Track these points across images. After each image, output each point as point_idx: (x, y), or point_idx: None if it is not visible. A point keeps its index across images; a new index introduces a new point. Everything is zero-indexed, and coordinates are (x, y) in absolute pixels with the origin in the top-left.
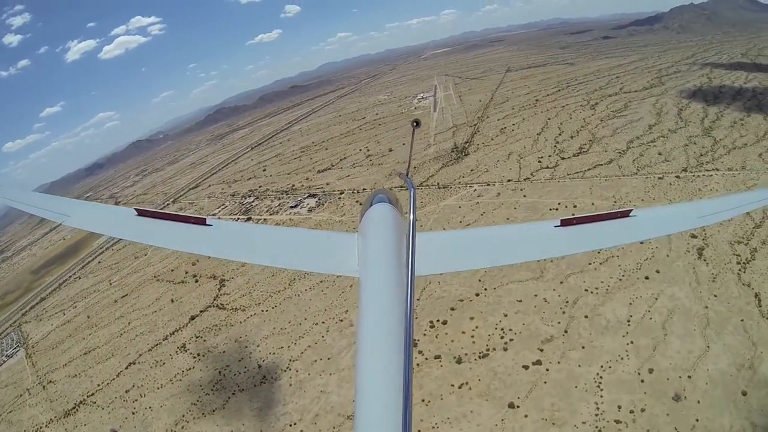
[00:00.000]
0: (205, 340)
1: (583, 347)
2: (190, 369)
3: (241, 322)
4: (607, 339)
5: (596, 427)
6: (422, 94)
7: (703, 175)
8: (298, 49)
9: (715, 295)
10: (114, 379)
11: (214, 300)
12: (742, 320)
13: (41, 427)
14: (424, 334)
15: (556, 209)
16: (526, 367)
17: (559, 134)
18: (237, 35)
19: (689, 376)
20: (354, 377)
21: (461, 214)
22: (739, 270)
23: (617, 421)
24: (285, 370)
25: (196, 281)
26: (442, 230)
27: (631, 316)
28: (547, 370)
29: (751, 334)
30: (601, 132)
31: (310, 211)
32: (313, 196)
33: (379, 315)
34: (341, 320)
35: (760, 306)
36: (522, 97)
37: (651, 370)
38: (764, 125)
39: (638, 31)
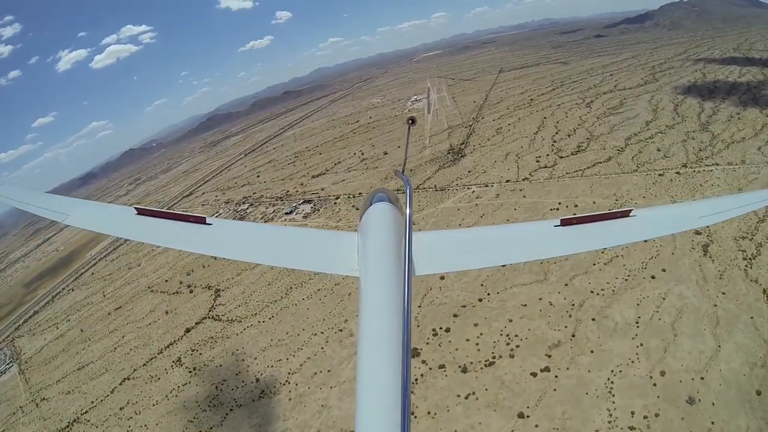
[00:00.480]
0: (200, 354)
1: (592, 351)
2: (185, 384)
3: (237, 334)
4: (616, 342)
5: None
6: (415, 97)
7: (704, 170)
8: (290, 55)
9: (723, 293)
10: (108, 395)
11: (210, 311)
12: (752, 317)
13: None
14: (427, 343)
15: (557, 209)
16: (534, 375)
17: (556, 133)
18: (229, 42)
19: (702, 378)
20: (354, 375)
21: (460, 216)
22: (746, 266)
23: (631, 428)
24: (284, 384)
25: (191, 292)
26: (441, 230)
27: (639, 317)
28: (556, 376)
29: (762, 332)
30: (599, 130)
31: (305, 217)
32: (309, 201)
33: (379, 314)
34: (341, 330)
35: None
36: (516, 97)
37: (663, 373)
38: (761, 119)
39: (629, 29)
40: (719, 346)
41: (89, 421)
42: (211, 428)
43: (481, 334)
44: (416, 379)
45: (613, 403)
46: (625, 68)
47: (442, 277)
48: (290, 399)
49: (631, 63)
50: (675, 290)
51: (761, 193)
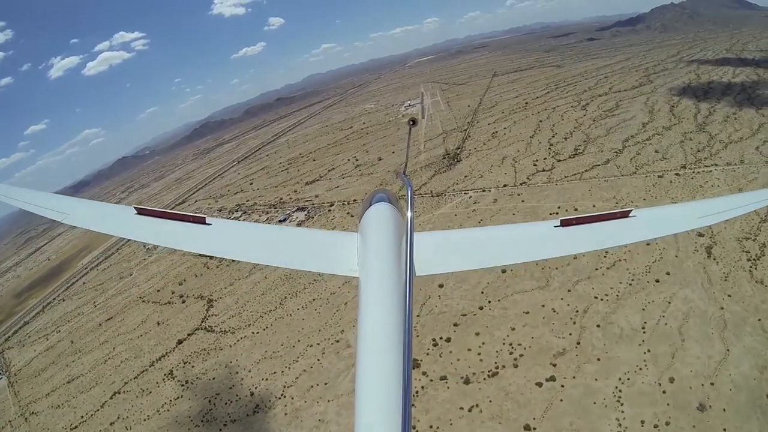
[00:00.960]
0: (193, 366)
1: (598, 359)
2: (178, 398)
3: (230, 346)
4: (622, 349)
5: None
6: (409, 102)
7: (703, 171)
8: (283, 62)
9: (729, 295)
10: (98, 410)
11: (202, 322)
12: (759, 319)
13: None
14: (427, 353)
15: (556, 213)
16: (539, 385)
17: (553, 136)
18: (221, 49)
19: (712, 383)
20: (354, 376)
21: (458, 222)
22: (751, 267)
23: None
24: (279, 398)
25: (183, 302)
26: (441, 230)
27: (645, 322)
28: (563, 386)
29: None
30: (595, 132)
31: (299, 225)
32: (302, 209)
33: (379, 314)
34: (337, 341)
35: None
36: (511, 101)
37: (672, 380)
38: (757, 118)
39: (621, 31)
40: (728, 350)
41: None
42: None
43: (483, 343)
44: (417, 392)
45: (622, 412)
46: (619, 71)
47: (441, 285)
48: (286, 414)
49: (625, 65)
50: (680, 294)
51: (761, 192)
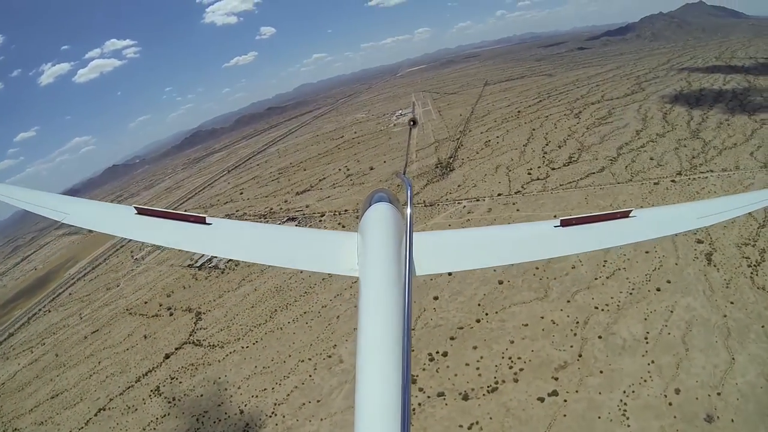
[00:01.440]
0: (180, 382)
1: (601, 372)
2: (164, 416)
3: (219, 361)
4: (625, 360)
5: None
6: (400, 111)
7: (699, 177)
8: (275, 72)
9: (732, 302)
10: (82, 428)
11: (190, 335)
12: (763, 326)
13: None
14: (424, 369)
15: None
16: (541, 400)
17: (546, 144)
18: (213, 58)
19: (718, 393)
20: (354, 376)
21: None
22: (752, 273)
23: None
24: (270, 416)
25: (171, 314)
26: (441, 230)
27: (647, 332)
28: (565, 401)
29: None
30: (589, 140)
31: None
32: (293, 219)
33: (379, 314)
34: (329, 356)
35: None
36: (503, 110)
37: (678, 391)
38: (750, 124)
39: (612, 40)
40: (733, 358)
41: None
42: None
43: (482, 357)
44: (414, 409)
45: (629, 426)
46: (610, 79)
47: (436, 297)
48: None
49: (616, 73)
50: (682, 302)
51: (760, 193)
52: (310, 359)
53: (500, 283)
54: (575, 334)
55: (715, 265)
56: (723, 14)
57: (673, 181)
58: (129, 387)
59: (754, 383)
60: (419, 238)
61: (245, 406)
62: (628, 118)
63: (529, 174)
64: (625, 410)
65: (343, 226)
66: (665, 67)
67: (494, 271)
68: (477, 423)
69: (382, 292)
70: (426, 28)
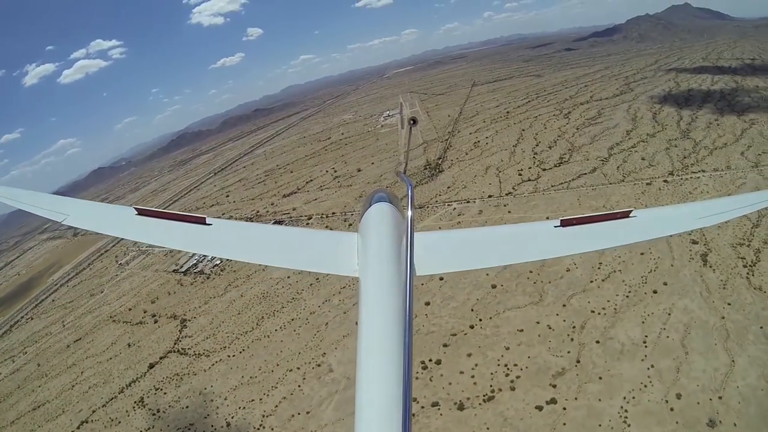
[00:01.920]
0: (165, 393)
1: (600, 378)
2: (148, 429)
3: (205, 370)
4: (624, 365)
5: None
6: (388, 112)
7: (691, 177)
8: (262, 73)
9: (729, 303)
10: None
11: (175, 344)
12: (761, 327)
13: None
14: (417, 377)
15: None
16: (539, 408)
17: (536, 145)
18: (200, 59)
19: (720, 397)
20: (355, 377)
21: None
22: (748, 274)
23: None
24: (258, 429)
25: (156, 322)
26: (441, 230)
27: (646, 336)
28: (564, 408)
29: None
30: (580, 140)
31: None
32: (279, 222)
33: (379, 314)
34: (318, 365)
35: None
36: (492, 110)
37: (679, 396)
38: (739, 124)
39: (599, 41)
40: (733, 361)
41: None
42: None
43: (476, 365)
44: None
45: None
46: (598, 79)
47: (428, 303)
48: None
49: (605, 74)
50: (679, 304)
51: (761, 193)
52: (298, 368)
53: (493, 287)
54: (572, 339)
55: (710, 266)
56: (708, 16)
57: (665, 181)
58: (112, 398)
59: (755, 386)
60: (419, 238)
61: (232, 418)
62: (618, 119)
63: (520, 175)
64: (626, 417)
65: (331, 230)
66: (653, 67)
67: (487, 275)
68: None
69: (382, 293)
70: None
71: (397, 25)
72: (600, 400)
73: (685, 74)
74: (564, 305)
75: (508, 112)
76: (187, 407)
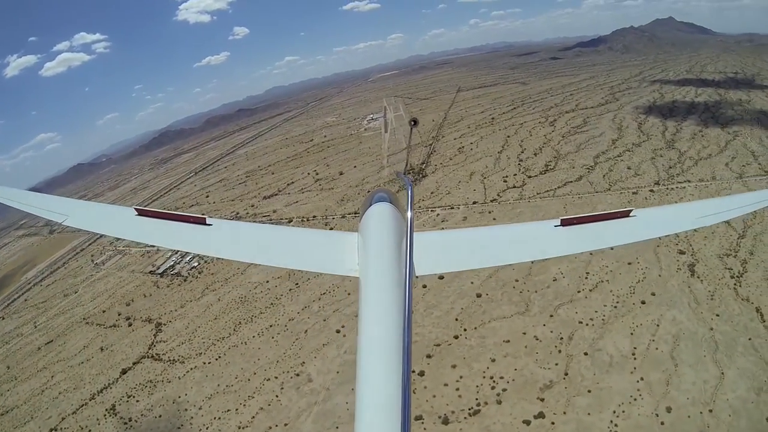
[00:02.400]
0: (138, 401)
1: (589, 391)
2: None
3: (179, 378)
4: (614, 378)
5: None
6: (372, 116)
7: (677, 187)
8: (246, 73)
9: (717, 315)
10: None
11: (149, 348)
12: (749, 339)
13: None
14: None
15: None
16: (527, 423)
17: (522, 152)
18: (185, 57)
19: (710, 410)
20: (355, 376)
21: None
22: (735, 284)
23: None
24: None
25: (130, 325)
26: (441, 230)
27: (635, 348)
28: (553, 423)
29: (763, 353)
30: (565, 148)
31: None
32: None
33: (379, 314)
34: (297, 374)
35: (764, 321)
36: (477, 116)
37: (669, 409)
38: (723, 136)
39: (584, 52)
40: (722, 373)
41: None
42: None
43: (461, 377)
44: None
45: None
46: (584, 88)
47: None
48: None
49: (590, 83)
50: (668, 315)
51: (760, 193)
52: (276, 377)
53: (478, 296)
54: (560, 351)
55: (698, 277)
56: (692, 30)
57: (651, 190)
58: (83, 405)
59: (745, 398)
60: (419, 238)
61: (207, 429)
62: (604, 127)
63: (505, 182)
64: (615, 431)
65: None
66: (638, 78)
67: (472, 283)
68: None
69: (382, 293)
70: (399, 34)
71: (383, 29)
72: (589, 414)
73: (669, 86)
74: (551, 315)
75: (493, 119)
76: (160, 416)
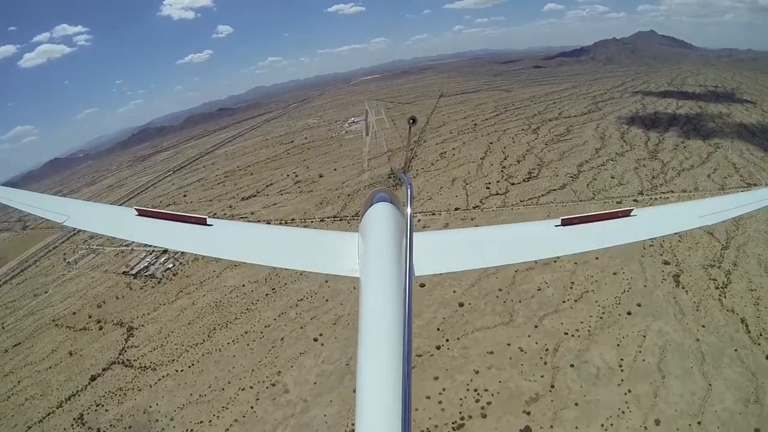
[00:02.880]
0: (107, 410)
1: (576, 404)
2: None
3: (151, 386)
4: (601, 390)
5: None
6: (353, 119)
7: (660, 197)
8: (229, 72)
9: (703, 326)
10: None
11: (120, 354)
12: (736, 350)
13: None
14: None
15: None
16: None
17: (505, 158)
18: (167, 53)
19: (699, 422)
20: (355, 376)
21: None
22: (720, 295)
23: None
24: None
25: (100, 328)
26: (441, 230)
27: (622, 359)
28: None
29: (749, 364)
30: (549, 156)
31: None
32: None
33: (379, 314)
34: (273, 384)
35: (749, 332)
36: (459, 122)
37: (658, 422)
38: (705, 148)
39: (567, 61)
40: (710, 384)
41: None
42: None
43: (444, 389)
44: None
45: None
46: (567, 97)
47: None
48: None
49: (573, 92)
50: (654, 326)
51: (761, 192)
52: (251, 387)
53: (461, 305)
54: (545, 363)
55: (683, 287)
56: (673, 44)
57: (635, 200)
58: (50, 413)
59: (732, 410)
60: (419, 238)
61: None
62: (587, 136)
63: (488, 188)
64: None
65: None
66: (620, 89)
67: (454, 291)
68: None
69: (382, 293)
70: (382, 38)
71: (367, 32)
72: (577, 427)
73: (651, 97)
74: (536, 326)
75: (475, 125)
76: (129, 428)
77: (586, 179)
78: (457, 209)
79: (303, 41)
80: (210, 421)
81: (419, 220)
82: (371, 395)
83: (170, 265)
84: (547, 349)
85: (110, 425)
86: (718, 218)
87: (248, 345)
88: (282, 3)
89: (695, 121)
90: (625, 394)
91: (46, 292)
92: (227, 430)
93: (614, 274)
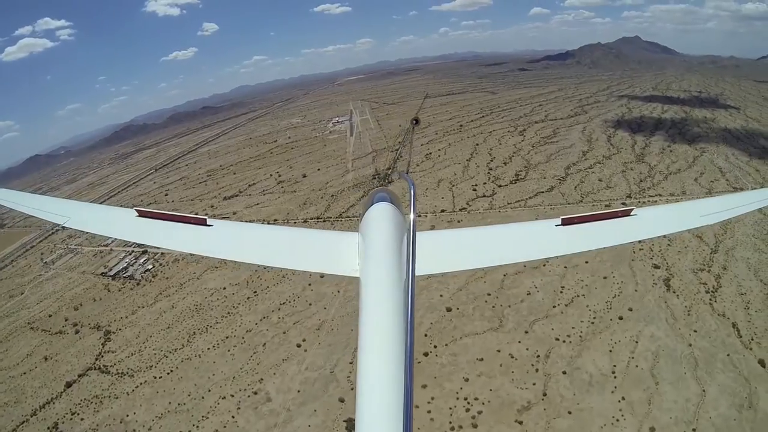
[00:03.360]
0: (82, 419)
1: (569, 412)
2: None
3: (128, 393)
4: (594, 398)
5: None
6: (337, 119)
7: (648, 200)
8: (213, 70)
9: (695, 330)
10: None
11: (97, 359)
12: (728, 355)
13: None
14: None
15: None
16: None
17: (491, 160)
18: (151, 50)
19: (694, 430)
20: (356, 376)
21: None
22: (710, 300)
23: None
24: None
25: (77, 332)
26: (441, 229)
27: (614, 366)
28: None
29: (741, 369)
30: (536, 158)
31: None
32: None
33: (380, 314)
34: (255, 392)
35: (741, 336)
36: (445, 123)
37: (653, 430)
38: (691, 152)
39: (552, 65)
40: (704, 390)
41: None
42: None
43: (433, 398)
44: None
45: None
46: (553, 100)
47: None
48: None
49: (559, 95)
50: (646, 331)
51: (761, 192)
52: (232, 396)
53: (449, 310)
54: (537, 370)
55: (674, 292)
56: (657, 50)
57: (623, 203)
58: (23, 422)
59: (727, 416)
60: (419, 238)
61: None
62: (574, 139)
63: (474, 190)
64: None
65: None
66: (605, 93)
67: (441, 296)
68: None
69: (383, 293)
70: (368, 39)
71: (352, 33)
72: None
73: (636, 101)
74: (526, 332)
75: (461, 126)
76: None
77: (574, 182)
78: (443, 211)
79: (288, 41)
80: (189, 431)
81: None
82: (372, 397)
83: (150, 266)
84: (538, 356)
85: None
86: (718, 218)
87: (229, 351)
88: (268, 2)
89: (681, 125)
90: (619, 401)
91: (22, 294)
92: None
93: (604, 278)
